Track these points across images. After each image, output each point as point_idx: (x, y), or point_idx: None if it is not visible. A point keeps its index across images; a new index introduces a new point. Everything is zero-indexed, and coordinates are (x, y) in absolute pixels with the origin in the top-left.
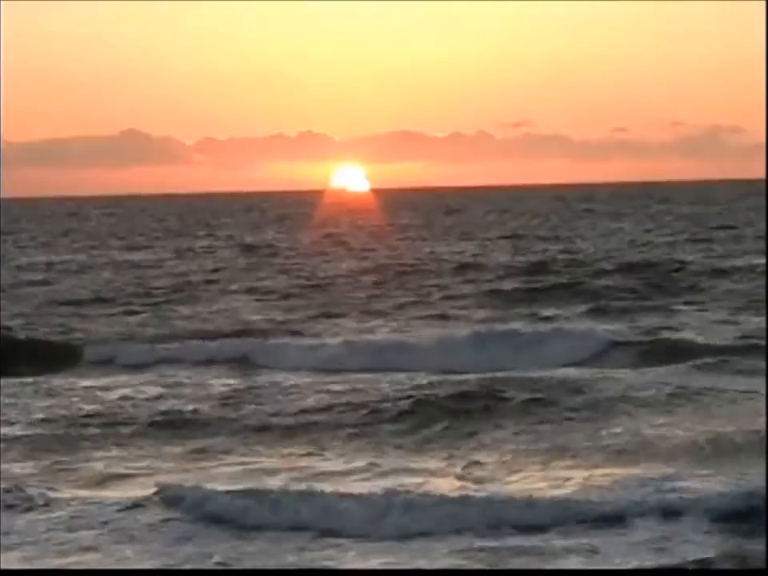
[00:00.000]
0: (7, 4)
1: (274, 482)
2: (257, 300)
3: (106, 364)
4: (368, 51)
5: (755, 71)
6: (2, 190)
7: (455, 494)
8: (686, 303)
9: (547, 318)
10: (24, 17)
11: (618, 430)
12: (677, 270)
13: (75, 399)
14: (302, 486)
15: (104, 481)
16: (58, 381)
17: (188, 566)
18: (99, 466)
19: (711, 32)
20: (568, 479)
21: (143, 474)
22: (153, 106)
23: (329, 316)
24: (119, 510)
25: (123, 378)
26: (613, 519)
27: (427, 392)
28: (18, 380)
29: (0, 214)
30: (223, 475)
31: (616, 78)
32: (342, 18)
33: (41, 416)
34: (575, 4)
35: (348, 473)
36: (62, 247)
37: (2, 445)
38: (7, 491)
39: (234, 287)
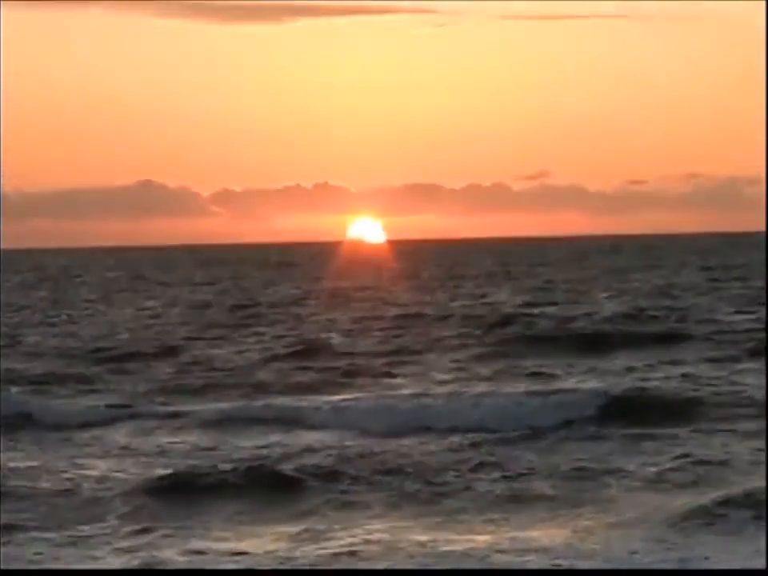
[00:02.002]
0: (16, 50)
1: None
2: (266, 356)
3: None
4: (383, 103)
5: None
6: (2, 240)
7: None
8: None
9: (549, 376)
10: (34, 64)
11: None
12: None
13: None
14: None
15: None
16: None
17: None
18: None
19: (728, 85)
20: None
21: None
22: (169, 157)
23: (347, 373)
24: None
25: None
26: None
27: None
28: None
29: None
30: None
31: (632, 129)
32: (356, 71)
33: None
34: (591, 58)
35: None
36: (57, 301)
37: None
38: None
39: (244, 341)
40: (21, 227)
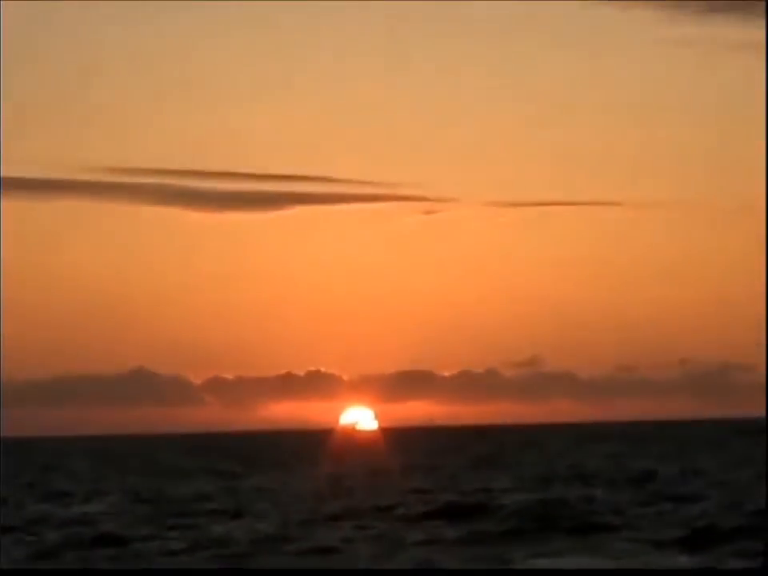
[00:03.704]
0: (12, 240)
1: None
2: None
3: None
4: (374, 291)
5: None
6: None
7: None
8: None
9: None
10: (25, 253)
11: None
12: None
13: None
14: None
15: None
16: None
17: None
18: None
19: (719, 271)
20: None
21: None
22: (161, 345)
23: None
24: None
25: None
26: None
27: None
28: None
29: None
30: None
31: (622, 316)
32: (347, 259)
33: None
34: (582, 245)
35: None
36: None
37: None
38: None
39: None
40: (11, 415)
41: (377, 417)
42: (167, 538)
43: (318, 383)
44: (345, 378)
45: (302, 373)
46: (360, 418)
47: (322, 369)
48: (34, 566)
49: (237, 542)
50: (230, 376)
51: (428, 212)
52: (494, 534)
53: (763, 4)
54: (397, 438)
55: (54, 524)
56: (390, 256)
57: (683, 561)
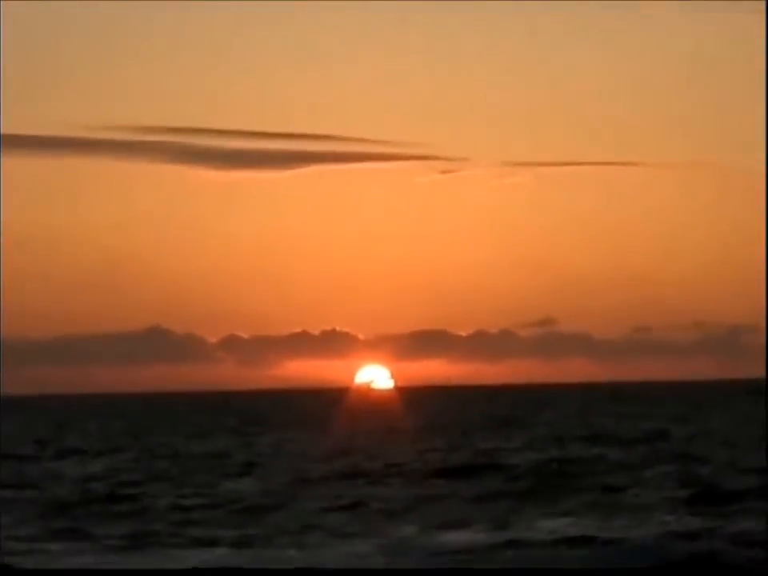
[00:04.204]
0: (21, 196)
1: None
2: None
3: None
4: (389, 250)
5: None
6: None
7: None
8: None
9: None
10: (39, 209)
11: None
12: None
13: None
14: None
15: None
16: None
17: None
18: None
19: (733, 233)
20: None
21: None
22: (177, 303)
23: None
24: None
25: None
26: None
27: None
28: None
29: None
30: None
31: (637, 278)
32: (362, 218)
33: None
34: (598, 205)
35: None
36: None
37: None
38: None
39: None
40: (25, 373)
41: (392, 375)
42: (181, 495)
43: (333, 342)
44: (360, 336)
45: (317, 332)
46: (375, 376)
47: (338, 328)
48: (48, 524)
49: (250, 498)
50: (245, 334)
51: (444, 171)
52: (506, 493)
53: None
54: (412, 396)
55: (68, 480)
56: (405, 215)
57: (692, 520)
